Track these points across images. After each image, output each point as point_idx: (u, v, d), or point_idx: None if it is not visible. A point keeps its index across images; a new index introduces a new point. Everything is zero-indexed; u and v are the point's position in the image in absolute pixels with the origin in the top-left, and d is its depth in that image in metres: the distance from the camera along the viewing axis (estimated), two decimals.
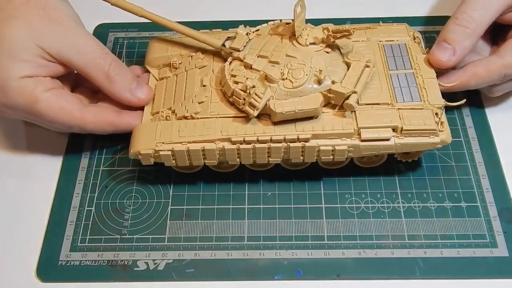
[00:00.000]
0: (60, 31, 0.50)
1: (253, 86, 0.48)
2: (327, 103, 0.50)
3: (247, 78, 0.50)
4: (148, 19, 0.55)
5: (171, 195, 0.54)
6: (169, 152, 0.49)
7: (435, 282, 0.48)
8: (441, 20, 0.65)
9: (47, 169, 0.56)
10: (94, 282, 0.49)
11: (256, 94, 0.48)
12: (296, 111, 0.48)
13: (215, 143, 0.49)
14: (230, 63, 0.52)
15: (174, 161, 0.50)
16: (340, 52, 0.51)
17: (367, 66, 0.50)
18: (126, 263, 0.50)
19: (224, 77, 0.51)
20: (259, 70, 0.50)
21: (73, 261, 0.50)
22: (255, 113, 0.48)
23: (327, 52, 0.51)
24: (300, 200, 0.53)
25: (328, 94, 0.49)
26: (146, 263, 0.50)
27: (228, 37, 0.54)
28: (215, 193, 0.54)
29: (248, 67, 0.50)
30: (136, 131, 0.51)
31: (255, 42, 0.53)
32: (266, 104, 0.48)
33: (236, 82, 0.50)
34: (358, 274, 0.49)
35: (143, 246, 0.51)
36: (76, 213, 0.53)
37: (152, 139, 0.50)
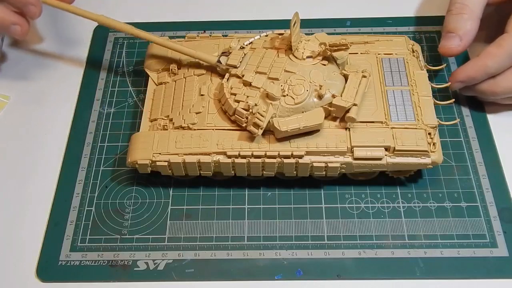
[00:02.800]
0: None
1: (256, 105, 0.49)
2: (327, 115, 0.50)
3: (248, 96, 0.49)
4: (138, 37, 0.55)
5: (171, 195, 0.54)
6: (166, 163, 0.50)
7: (435, 282, 0.48)
8: (442, 20, 0.66)
9: (47, 169, 0.56)
10: (94, 282, 0.49)
11: (259, 113, 0.48)
12: (301, 128, 0.48)
13: (211, 156, 0.49)
14: (228, 79, 0.52)
15: (170, 171, 0.51)
16: (336, 63, 0.51)
17: (364, 76, 0.50)
18: (126, 263, 0.50)
19: (224, 96, 0.51)
20: (259, 87, 0.50)
21: (73, 261, 0.50)
22: (260, 132, 0.48)
23: (324, 65, 0.51)
24: (300, 200, 0.53)
25: (329, 108, 0.49)
26: (146, 263, 0.50)
27: (223, 53, 0.54)
28: (215, 193, 0.54)
29: (247, 84, 0.50)
30: (133, 140, 0.52)
31: (251, 57, 0.52)
32: (269, 122, 0.48)
33: (237, 101, 0.50)
34: (358, 274, 0.49)
35: (143, 246, 0.51)
36: (76, 213, 0.53)
37: (149, 149, 0.50)
